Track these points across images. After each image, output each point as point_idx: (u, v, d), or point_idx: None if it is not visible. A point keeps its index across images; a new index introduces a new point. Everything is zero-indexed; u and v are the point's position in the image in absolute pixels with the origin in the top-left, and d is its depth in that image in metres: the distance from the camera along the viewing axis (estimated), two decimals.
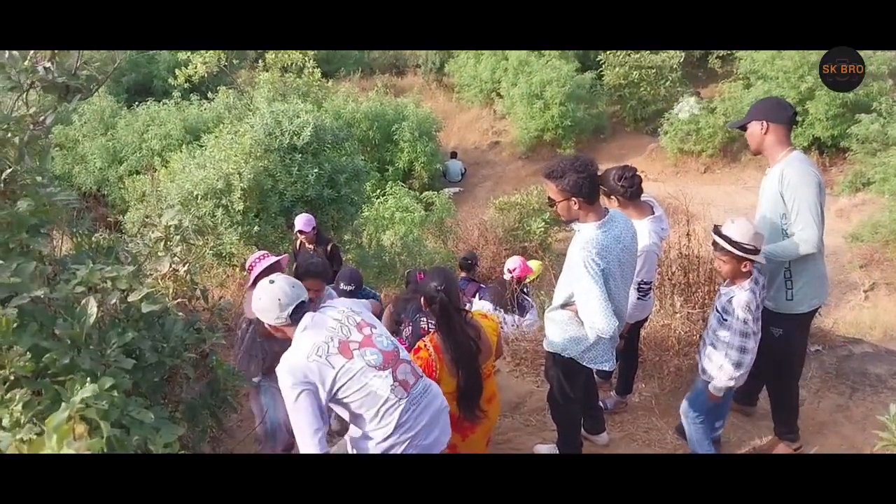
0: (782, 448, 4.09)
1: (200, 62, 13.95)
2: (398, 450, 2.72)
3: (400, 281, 8.74)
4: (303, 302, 2.77)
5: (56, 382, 1.92)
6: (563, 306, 3.44)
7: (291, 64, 15.07)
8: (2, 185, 2.26)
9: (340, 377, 2.63)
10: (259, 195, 7.77)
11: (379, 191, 13.08)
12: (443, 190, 15.47)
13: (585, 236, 3.19)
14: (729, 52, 17.48)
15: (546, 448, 4.16)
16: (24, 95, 2.35)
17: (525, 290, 6.75)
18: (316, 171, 8.05)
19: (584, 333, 3.32)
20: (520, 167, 18.33)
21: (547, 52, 18.07)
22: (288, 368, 2.63)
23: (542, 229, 11.76)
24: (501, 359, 4.89)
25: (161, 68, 17.84)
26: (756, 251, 3.33)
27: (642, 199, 4.01)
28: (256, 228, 7.64)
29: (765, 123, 3.62)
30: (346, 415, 2.79)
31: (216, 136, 8.89)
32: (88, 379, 1.87)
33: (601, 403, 4.44)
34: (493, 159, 19.18)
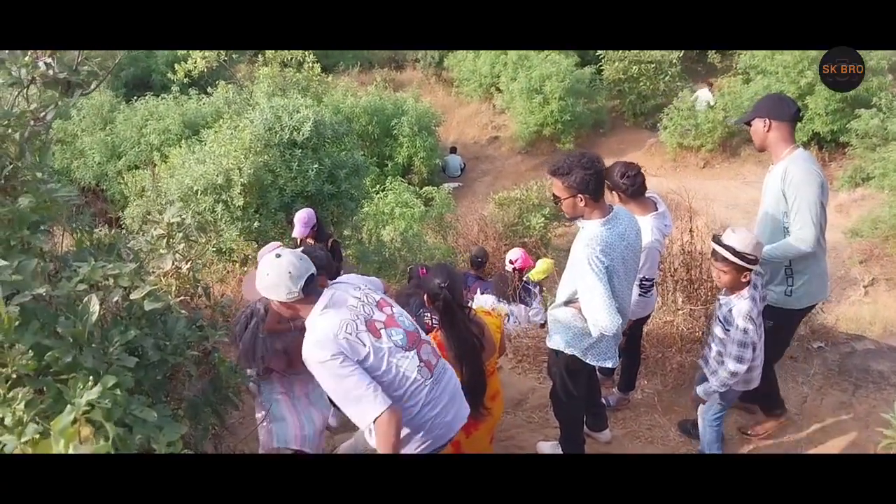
0: (772, 424, 4.24)
1: (200, 57, 13.87)
2: (422, 430, 2.71)
3: (401, 276, 8.72)
4: (312, 275, 2.65)
5: (58, 381, 1.90)
6: (567, 303, 3.43)
7: (291, 58, 15.01)
8: (2, 181, 2.24)
9: (371, 356, 2.56)
10: (259, 190, 7.74)
11: (378, 186, 13.04)
12: (442, 185, 15.44)
13: (589, 233, 3.17)
14: None
15: (549, 445, 4.15)
16: (25, 91, 2.33)
17: (526, 281, 6.77)
18: (316, 166, 8.01)
19: (588, 330, 3.31)
20: (519, 162, 18.30)
21: None
22: (317, 344, 2.52)
23: (542, 224, 11.71)
24: (504, 355, 4.88)
25: (160, 63, 17.76)
26: (756, 261, 3.32)
27: (646, 195, 4.00)
28: (256, 224, 7.62)
29: (768, 121, 3.61)
30: None
31: (216, 132, 8.85)
32: (91, 378, 1.85)
33: (604, 400, 4.43)
34: (492, 154, 19.13)
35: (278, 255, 2.61)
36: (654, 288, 4.26)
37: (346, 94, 16.51)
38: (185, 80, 14.01)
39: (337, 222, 8.74)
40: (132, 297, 2.25)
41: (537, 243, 11.17)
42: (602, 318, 3.10)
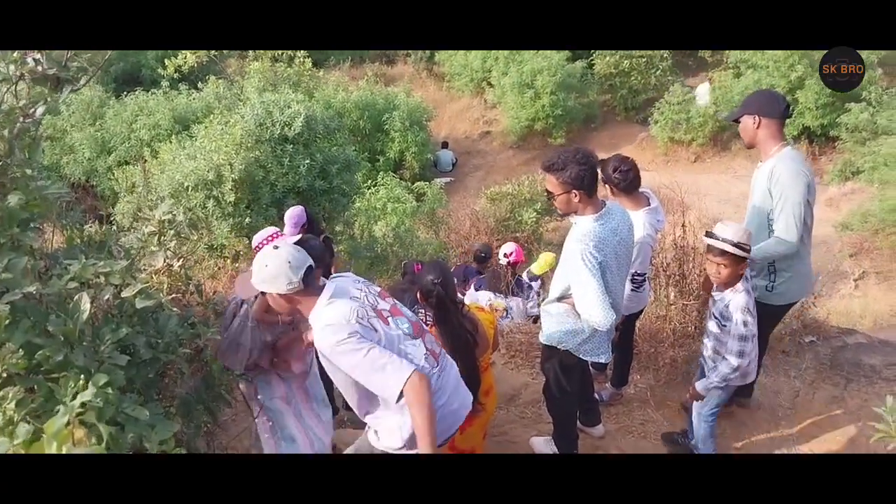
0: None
1: (190, 52, 13.81)
2: None
3: (393, 272, 8.72)
4: (311, 266, 2.59)
5: (49, 379, 1.89)
6: (560, 299, 3.42)
7: (281, 53, 14.96)
8: None
9: (383, 341, 2.52)
10: (250, 186, 7.70)
11: (370, 181, 13.01)
12: (434, 180, 15.43)
13: (583, 229, 3.17)
14: None
15: (542, 441, 4.15)
16: (14, 87, 2.30)
17: (519, 275, 6.80)
18: (307, 161, 7.98)
19: (581, 326, 3.31)
20: (511, 157, 18.31)
21: None
22: (332, 328, 2.46)
23: (534, 219, 11.73)
24: (497, 351, 4.88)
25: (149, 58, 17.66)
26: (750, 250, 3.32)
27: (639, 190, 4.00)
28: (248, 220, 7.58)
29: (757, 117, 3.60)
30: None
31: (206, 127, 8.80)
32: (83, 376, 1.84)
33: (597, 395, 4.44)
34: (483, 149, 19.13)
35: (276, 247, 2.56)
36: (647, 283, 4.26)
37: (337, 88, 16.48)
38: (175, 76, 13.94)
39: (329, 218, 8.72)
40: (123, 294, 2.24)
41: (529, 238, 11.19)
42: (596, 313, 3.11)
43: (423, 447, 2.44)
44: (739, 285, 3.36)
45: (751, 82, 15.24)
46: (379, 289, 2.78)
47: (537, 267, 6.78)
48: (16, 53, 2.26)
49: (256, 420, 3.56)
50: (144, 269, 2.66)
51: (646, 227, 3.90)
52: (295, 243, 3.10)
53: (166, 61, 14.35)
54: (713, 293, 3.56)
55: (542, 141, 17.85)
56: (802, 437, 4.22)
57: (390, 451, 2.72)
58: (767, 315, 3.82)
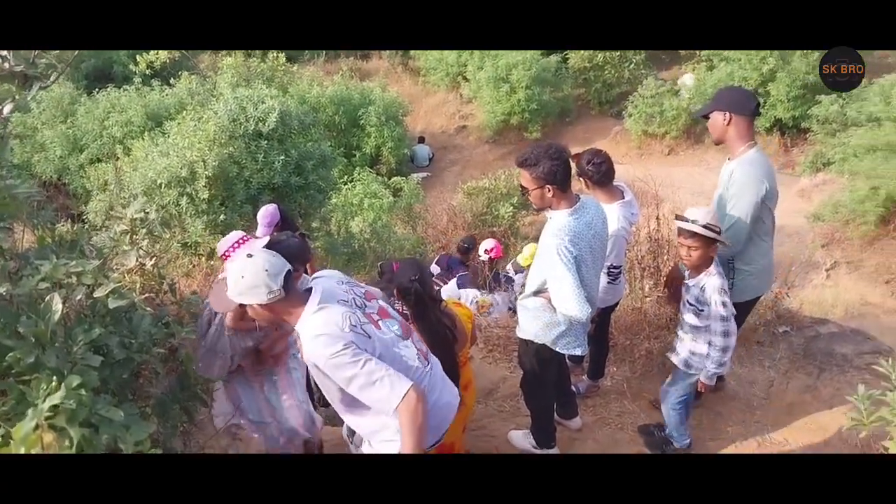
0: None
1: None
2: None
3: (370, 268, 8.70)
4: (289, 271, 2.45)
5: (21, 382, 1.87)
6: (536, 293, 3.44)
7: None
8: None
9: (377, 347, 2.43)
10: (224, 183, 7.65)
11: (346, 177, 12.97)
12: (411, 175, 15.42)
13: (558, 223, 3.19)
14: None
15: (520, 434, 4.17)
16: None
17: (497, 269, 6.86)
18: (282, 157, 7.95)
19: (557, 320, 3.33)
20: (487, 151, 18.34)
21: None
22: (326, 339, 2.33)
23: (511, 213, 11.78)
24: (475, 345, 4.90)
25: (121, 54, 17.41)
26: (720, 232, 3.36)
27: (614, 183, 4.02)
28: (222, 217, 7.53)
29: (728, 114, 3.60)
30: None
31: (179, 123, 8.73)
32: (55, 378, 1.82)
33: (574, 388, 4.46)
34: (460, 143, 19.14)
35: (250, 256, 2.42)
36: (622, 275, 4.29)
37: (311, 83, 16.39)
38: (147, 72, 13.78)
39: (305, 214, 8.69)
40: (96, 294, 2.22)
41: (506, 232, 11.22)
42: (571, 307, 3.13)
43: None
44: (712, 268, 3.41)
45: (723, 75, 15.40)
46: (364, 289, 2.70)
47: (523, 259, 6.83)
48: None
49: (242, 421, 3.57)
50: (117, 269, 2.63)
51: (620, 220, 3.92)
52: (267, 243, 3.05)
53: (138, 58, 14.19)
54: (686, 281, 3.58)
55: (518, 135, 17.90)
56: (777, 427, 4.27)
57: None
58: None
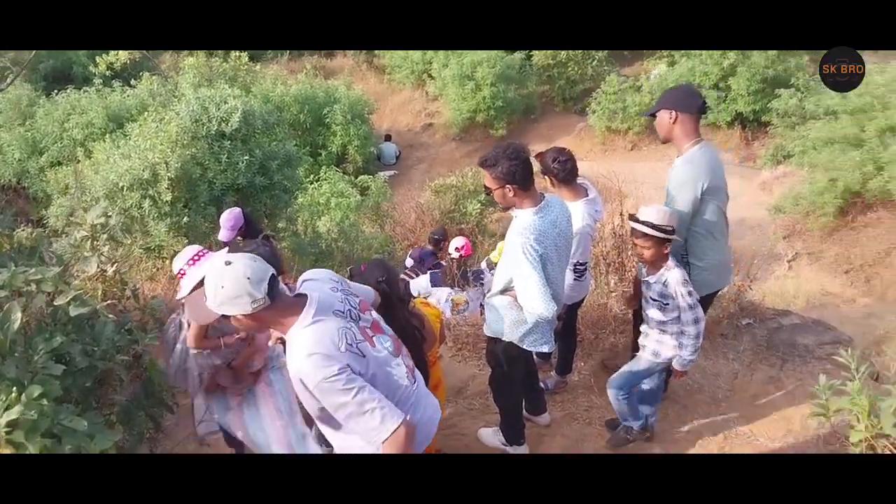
0: None
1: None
2: None
3: (338, 268, 8.66)
4: (273, 275, 2.27)
5: None
6: (503, 291, 3.47)
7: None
8: None
9: (370, 367, 2.30)
10: (187, 184, 7.54)
11: (313, 176, 12.87)
12: (378, 173, 15.37)
13: (523, 222, 3.22)
14: None
15: (490, 431, 4.20)
16: None
17: (466, 267, 6.90)
18: (246, 157, 7.86)
19: (523, 318, 3.36)
20: (454, 149, 18.35)
21: None
22: (323, 359, 2.18)
23: (478, 211, 11.81)
24: (444, 344, 4.91)
25: (80, 55, 17.08)
26: (674, 231, 3.42)
27: (578, 181, 4.06)
28: (186, 219, 7.43)
29: (674, 113, 3.64)
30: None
31: (140, 125, 8.58)
32: (15, 389, 1.79)
33: (542, 384, 4.50)
34: (426, 141, 19.13)
35: (228, 263, 2.21)
36: (588, 272, 4.34)
37: (275, 82, 16.24)
38: (108, 73, 13.53)
39: (270, 214, 8.61)
40: (56, 302, 2.19)
41: (474, 229, 11.25)
42: (537, 305, 3.16)
43: None
44: (670, 262, 3.47)
45: (685, 70, 15.61)
46: (360, 299, 2.55)
47: (496, 256, 6.86)
48: None
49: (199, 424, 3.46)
50: (78, 276, 2.59)
51: (585, 218, 3.97)
52: (229, 249, 2.96)
53: (98, 59, 13.91)
54: (646, 278, 3.62)
55: (484, 132, 17.94)
56: (742, 419, 4.35)
57: None
58: None
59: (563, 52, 18.15)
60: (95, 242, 2.64)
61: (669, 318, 3.56)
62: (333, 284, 2.48)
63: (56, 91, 12.82)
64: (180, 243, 7.32)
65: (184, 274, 2.97)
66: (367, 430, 2.21)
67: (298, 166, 9.81)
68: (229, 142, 7.93)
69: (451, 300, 6.11)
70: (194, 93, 8.81)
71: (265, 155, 8.28)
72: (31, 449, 1.64)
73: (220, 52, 14.66)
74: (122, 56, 13.42)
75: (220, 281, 2.18)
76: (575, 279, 4.13)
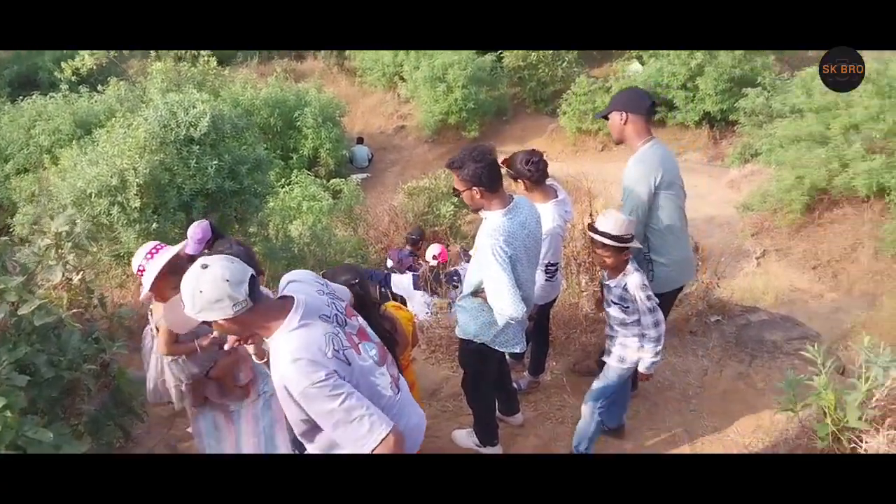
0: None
1: (88, 53, 13.24)
2: None
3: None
4: (253, 276, 2.18)
5: None
6: (474, 293, 3.48)
7: (185, 52, 14.54)
8: None
9: (355, 374, 2.23)
10: (156, 190, 7.46)
11: (284, 180, 12.79)
12: (350, 176, 15.30)
13: (492, 224, 3.24)
14: None
15: (464, 433, 4.22)
16: None
17: (441, 272, 6.94)
18: (215, 162, 7.79)
19: (494, 319, 3.38)
20: (426, 151, 18.36)
21: None
22: (309, 365, 2.10)
23: (452, 213, 11.82)
24: (417, 346, 4.92)
25: (46, 60, 16.81)
26: (632, 238, 3.46)
27: (547, 182, 4.10)
28: (155, 225, 7.34)
29: (624, 114, 3.75)
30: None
31: (108, 131, 8.47)
32: None
33: (515, 384, 4.53)
34: (399, 144, 19.12)
35: (204, 266, 2.12)
36: (559, 272, 4.37)
37: (245, 86, 16.11)
38: (74, 78, 13.34)
39: (241, 219, 8.54)
40: (20, 312, 2.16)
41: (447, 232, 11.26)
42: (507, 306, 3.18)
43: None
44: (630, 267, 3.51)
45: (653, 71, 15.78)
46: (345, 303, 2.49)
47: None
48: None
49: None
50: (42, 285, 2.56)
51: (555, 219, 4.01)
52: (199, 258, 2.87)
53: (63, 63, 13.70)
54: (607, 282, 3.66)
55: (457, 134, 17.97)
56: (712, 415, 4.41)
57: None
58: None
59: (533, 53, 18.23)
60: (60, 250, 2.60)
61: (632, 320, 3.59)
62: (319, 287, 2.41)
63: (21, 97, 12.61)
64: None
65: (143, 270, 2.85)
66: (355, 439, 2.15)
67: (269, 170, 9.73)
68: (198, 147, 7.85)
69: (435, 304, 6.19)
70: (162, 98, 8.72)
71: (234, 159, 8.21)
72: None
73: (188, 56, 14.51)
74: (88, 61, 13.25)
75: (198, 285, 2.08)
76: (546, 280, 4.16)
